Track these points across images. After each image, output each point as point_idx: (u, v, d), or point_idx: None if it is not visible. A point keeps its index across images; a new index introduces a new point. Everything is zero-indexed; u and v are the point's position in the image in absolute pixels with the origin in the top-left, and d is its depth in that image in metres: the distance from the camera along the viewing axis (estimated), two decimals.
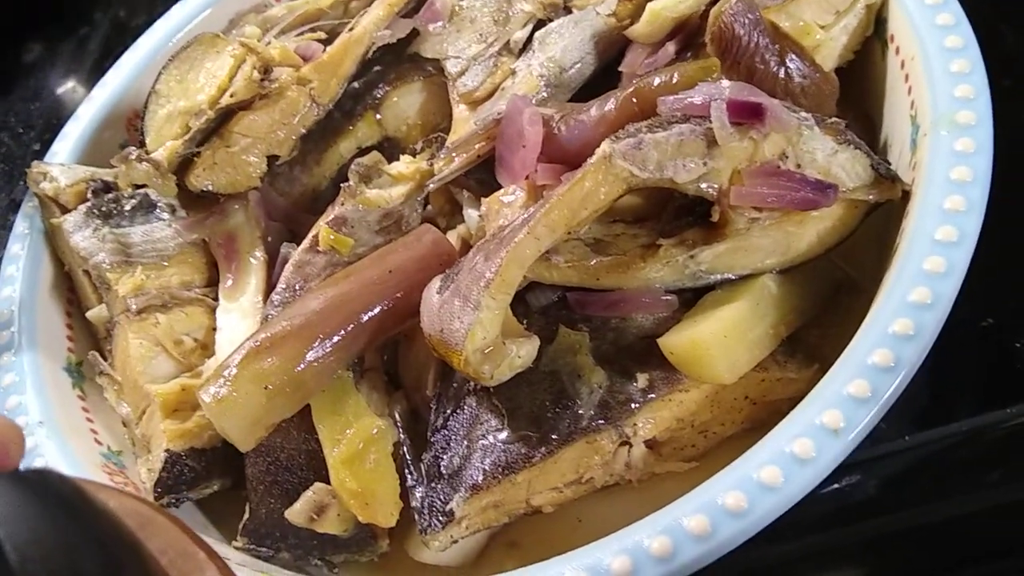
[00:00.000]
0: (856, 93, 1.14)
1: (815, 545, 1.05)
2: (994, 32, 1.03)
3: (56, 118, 1.86)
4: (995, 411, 1.05)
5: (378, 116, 1.26)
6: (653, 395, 0.95)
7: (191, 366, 1.12)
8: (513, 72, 1.18)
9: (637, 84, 1.00)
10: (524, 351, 0.94)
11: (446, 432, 0.98)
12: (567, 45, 1.15)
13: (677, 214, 1.01)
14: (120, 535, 0.61)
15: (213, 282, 1.20)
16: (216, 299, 1.17)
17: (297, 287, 1.10)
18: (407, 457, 0.99)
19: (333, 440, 0.99)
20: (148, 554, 0.61)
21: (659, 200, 1.02)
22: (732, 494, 0.80)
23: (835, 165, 0.96)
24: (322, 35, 1.29)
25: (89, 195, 1.23)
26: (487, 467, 0.93)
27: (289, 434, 1.03)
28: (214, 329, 1.14)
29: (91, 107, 1.43)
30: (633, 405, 0.94)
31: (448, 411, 1.00)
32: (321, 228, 1.11)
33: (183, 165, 1.17)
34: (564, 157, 1.02)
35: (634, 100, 0.99)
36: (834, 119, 0.96)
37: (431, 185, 1.14)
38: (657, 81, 0.99)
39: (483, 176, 1.15)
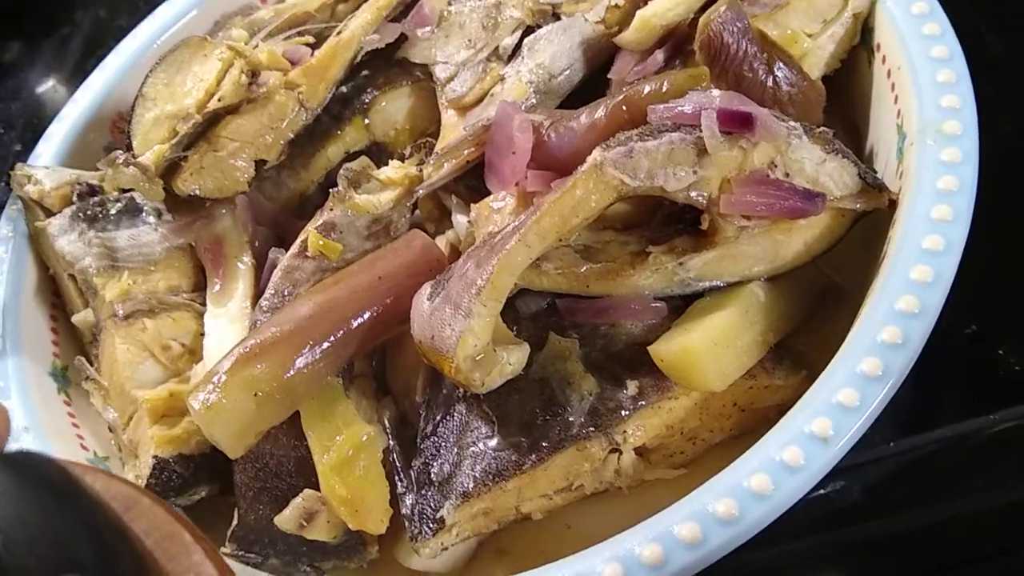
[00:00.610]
0: (842, 102, 1.15)
1: (801, 551, 1.07)
2: (980, 41, 1.05)
3: (37, 118, 1.86)
4: (978, 417, 1.06)
5: (366, 120, 1.26)
6: (643, 402, 0.95)
7: (179, 371, 1.12)
8: (502, 78, 1.17)
9: (627, 92, 1.01)
10: (514, 358, 0.95)
11: (436, 439, 0.98)
12: (556, 52, 1.15)
13: (666, 222, 1.02)
14: (106, 517, 0.61)
15: (200, 287, 1.19)
16: (203, 304, 1.17)
17: (286, 292, 1.09)
18: (397, 464, 0.99)
19: (323, 447, 0.99)
20: (134, 536, 0.61)
21: (648, 208, 1.02)
22: (723, 501, 0.80)
23: (823, 174, 0.96)
24: (310, 39, 1.29)
25: (74, 198, 1.23)
26: (477, 474, 0.93)
27: (278, 440, 1.03)
28: (202, 334, 1.14)
29: (75, 109, 1.42)
30: (623, 412, 0.95)
31: (438, 418, 1.00)
32: (310, 233, 1.11)
33: (170, 169, 1.17)
34: (554, 164, 1.03)
35: (624, 108, 1.00)
36: (822, 128, 0.97)
37: (420, 191, 1.14)
38: (647, 89, 0.99)
39: (472, 182, 1.15)
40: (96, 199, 1.22)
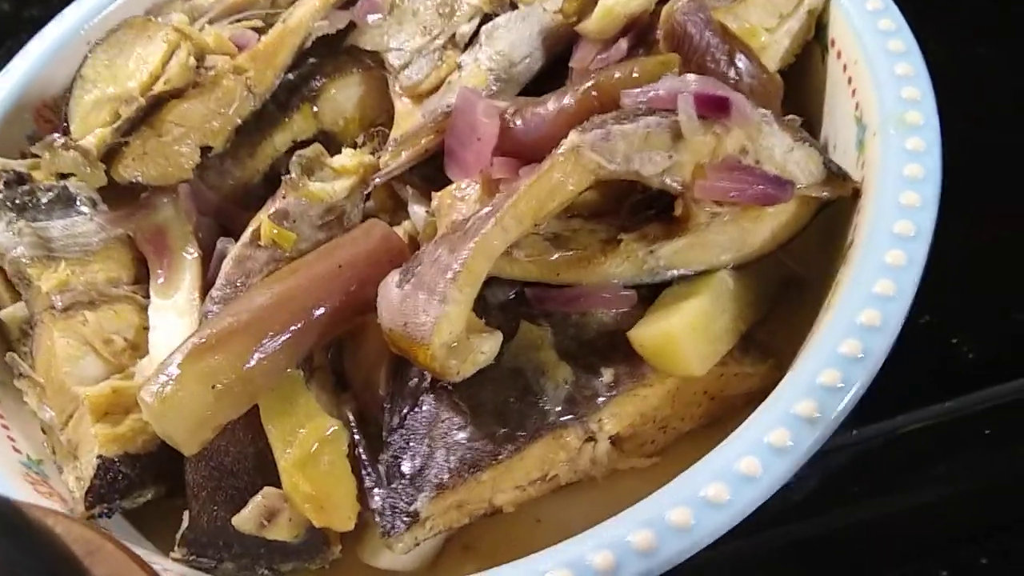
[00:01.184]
0: (796, 95, 1.16)
1: (763, 540, 1.07)
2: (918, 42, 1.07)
3: None
4: (934, 405, 1.08)
5: (315, 109, 1.21)
6: (618, 390, 0.94)
7: (121, 367, 1.05)
8: (459, 66, 1.15)
9: (597, 78, 0.99)
10: (487, 347, 0.92)
11: (404, 431, 0.95)
12: (515, 40, 1.14)
13: (634, 209, 1.01)
14: (67, 562, 0.60)
15: (141, 279, 1.13)
16: (146, 296, 1.10)
17: (239, 283, 1.04)
18: (363, 458, 0.95)
19: (285, 441, 0.94)
20: None
21: (616, 195, 1.01)
22: (714, 485, 0.79)
23: (791, 162, 0.97)
24: (258, 23, 1.24)
25: (1, 187, 1.15)
26: (452, 465, 0.90)
27: (235, 436, 0.97)
28: (145, 328, 1.08)
29: None
30: (599, 400, 0.93)
31: (405, 410, 0.96)
32: (263, 221, 1.06)
33: (110, 155, 1.11)
34: (519, 151, 1.01)
35: (594, 93, 0.99)
36: (791, 116, 0.98)
37: (377, 179, 1.10)
38: (618, 75, 0.98)
39: (427, 171, 1.12)
40: (25, 187, 1.14)
